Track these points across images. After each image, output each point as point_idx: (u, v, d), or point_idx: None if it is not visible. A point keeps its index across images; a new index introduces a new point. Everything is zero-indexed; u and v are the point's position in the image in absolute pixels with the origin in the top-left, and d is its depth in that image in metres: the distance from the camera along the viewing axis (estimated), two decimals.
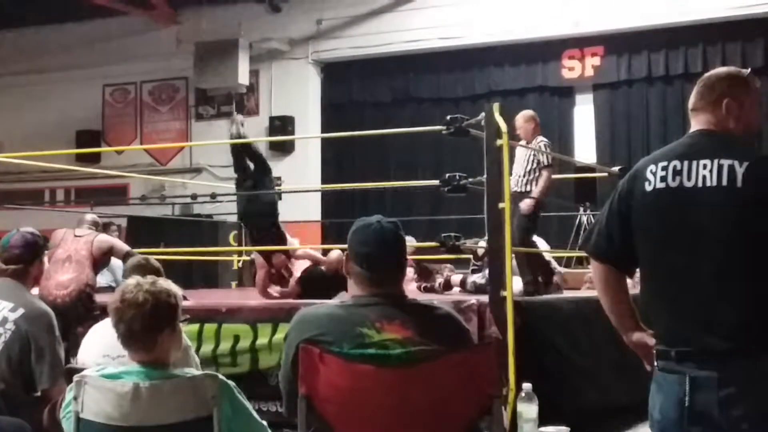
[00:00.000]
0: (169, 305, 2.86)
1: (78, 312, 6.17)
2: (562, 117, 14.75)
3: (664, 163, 2.68)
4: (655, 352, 2.67)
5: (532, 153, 7.06)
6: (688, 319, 2.60)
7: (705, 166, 2.62)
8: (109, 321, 4.07)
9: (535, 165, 7.06)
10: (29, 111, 16.42)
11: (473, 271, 8.42)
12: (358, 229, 2.83)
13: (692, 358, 2.57)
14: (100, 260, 6.92)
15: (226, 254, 11.72)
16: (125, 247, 7.13)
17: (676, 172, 2.65)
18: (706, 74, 2.86)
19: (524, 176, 7.09)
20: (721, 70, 2.86)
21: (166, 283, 2.91)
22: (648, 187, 2.68)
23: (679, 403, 2.56)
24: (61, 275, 6.49)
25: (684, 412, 2.56)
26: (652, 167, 2.69)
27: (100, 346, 3.94)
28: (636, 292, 2.83)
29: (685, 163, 2.65)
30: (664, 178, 2.66)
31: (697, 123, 2.79)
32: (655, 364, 2.66)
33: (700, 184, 2.61)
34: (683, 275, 2.62)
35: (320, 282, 7.15)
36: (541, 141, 7.19)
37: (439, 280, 8.57)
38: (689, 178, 2.63)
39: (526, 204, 6.92)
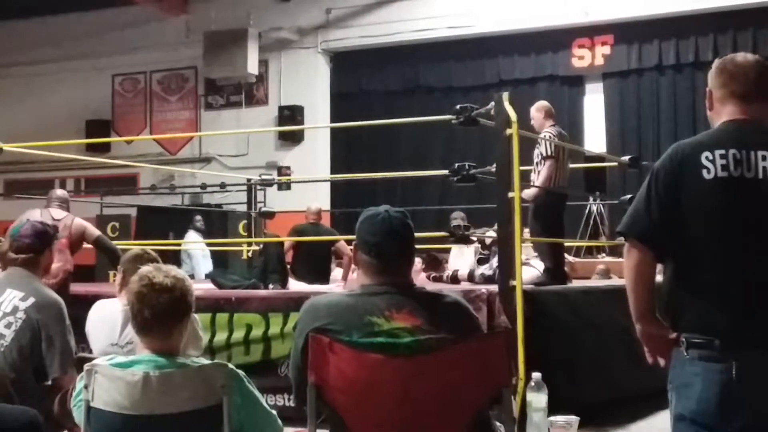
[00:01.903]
0: (191, 292, 2.88)
1: (65, 299, 6.19)
2: (572, 106, 14.72)
3: (722, 151, 2.64)
4: (685, 341, 2.65)
5: (536, 146, 7.00)
6: (738, 308, 2.59)
7: (765, 158, 2.62)
8: (108, 311, 4.11)
9: (539, 158, 6.98)
10: (39, 101, 16.48)
11: (480, 261, 8.41)
12: (366, 219, 2.84)
13: (739, 347, 2.57)
14: (75, 245, 6.99)
15: (235, 244, 11.74)
16: (96, 232, 7.19)
17: (737, 162, 2.62)
18: (756, 61, 2.83)
19: (534, 171, 7.03)
20: None
21: (180, 272, 2.92)
22: (707, 175, 2.62)
23: (722, 392, 2.55)
24: None
25: (728, 401, 2.55)
26: (708, 154, 2.64)
27: (106, 336, 3.96)
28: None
29: (743, 152, 2.63)
30: (725, 167, 2.62)
31: (742, 111, 2.76)
32: (685, 354, 2.64)
33: (760, 176, 2.61)
34: (738, 265, 2.61)
35: None
36: (546, 132, 7.09)
37: (447, 273, 8.56)
38: (749, 169, 2.62)
39: (529, 192, 6.83)
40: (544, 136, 7.01)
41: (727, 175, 2.62)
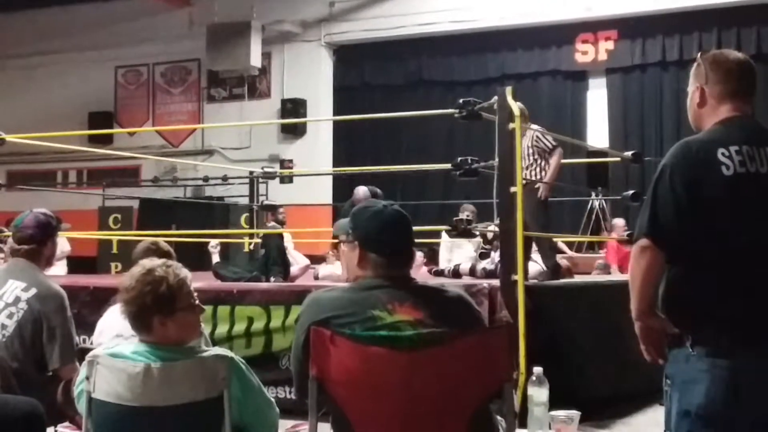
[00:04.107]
0: (188, 284, 2.88)
1: None
2: (575, 101, 14.71)
3: (736, 147, 2.65)
4: (690, 337, 2.65)
5: (527, 146, 6.92)
6: (750, 304, 2.60)
7: None
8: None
9: (536, 156, 6.93)
10: (42, 92, 16.47)
11: (482, 255, 8.40)
12: (365, 213, 2.84)
13: (749, 343, 2.58)
14: None
15: (237, 236, 11.73)
16: None
17: (751, 158, 2.64)
18: (747, 59, 2.85)
19: (525, 169, 6.96)
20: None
21: (173, 267, 2.91)
22: (727, 172, 2.63)
23: (730, 388, 2.56)
24: None
25: (736, 396, 2.56)
26: (723, 150, 2.65)
27: (114, 327, 3.96)
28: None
29: (753, 148, 2.66)
30: (743, 163, 2.63)
31: (739, 108, 2.78)
32: (691, 350, 2.64)
33: None
34: (752, 260, 2.62)
35: None
36: (535, 130, 7.02)
37: (448, 267, 8.56)
38: (761, 164, 2.65)
39: (542, 189, 6.79)
40: (536, 135, 6.93)
41: (745, 171, 2.62)
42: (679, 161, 2.68)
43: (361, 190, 8.50)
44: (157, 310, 2.82)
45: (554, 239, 7.62)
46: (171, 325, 2.84)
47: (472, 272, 7.91)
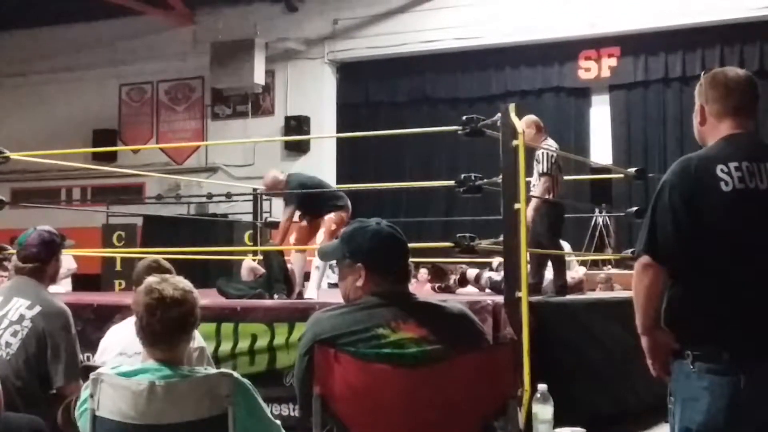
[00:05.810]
0: (198, 304, 2.89)
1: None
2: (578, 118, 14.72)
3: (736, 164, 2.66)
4: (690, 354, 2.64)
5: (534, 161, 6.90)
6: (749, 320, 2.60)
7: None
8: (127, 322, 4.10)
9: (537, 174, 6.90)
10: (46, 110, 16.51)
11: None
12: (365, 234, 2.83)
13: (747, 360, 2.58)
14: None
15: (241, 253, 11.72)
16: None
17: (751, 174, 2.65)
18: (748, 75, 2.86)
19: (533, 186, 6.92)
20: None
21: (188, 283, 2.92)
22: (726, 188, 2.64)
23: (730, 405, 2.56)
24: None
25: (736, 413, 2.55)
26: (722, 167, 2.65)
27: (117, 345, 3.96)
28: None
29: (753, 164, 2.67)
30: (742, 179, 2.64)
31: (740, 125, 2.78)
32: (691, 367, 2.64)
33: None
34: (751, 277, 2.63)
35: None
36: (545, 147, 6.96)
37: (454, 276, 8.51)
38: (761, 181, 2.66)
39: (528, 214, 6.70)
40: (543, 152, 6.89)
41: (744, 187, 2.63)
42: (678, 178, 2.69)
43: (271, 175, 8.33)
44: (195, 324, 2.90)
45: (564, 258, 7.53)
46: (188, 341, 2.91)
47: (477, 280, 7.85)
